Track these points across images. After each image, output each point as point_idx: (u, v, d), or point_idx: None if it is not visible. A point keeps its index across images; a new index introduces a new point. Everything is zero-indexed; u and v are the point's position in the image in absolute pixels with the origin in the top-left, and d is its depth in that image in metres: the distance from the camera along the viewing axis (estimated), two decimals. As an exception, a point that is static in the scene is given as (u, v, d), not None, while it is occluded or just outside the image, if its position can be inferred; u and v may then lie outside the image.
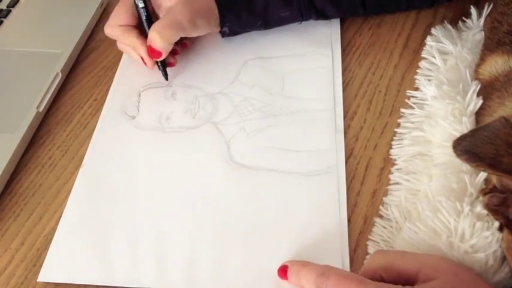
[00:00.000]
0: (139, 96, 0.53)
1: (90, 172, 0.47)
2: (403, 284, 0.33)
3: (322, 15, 0.57)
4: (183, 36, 0.51)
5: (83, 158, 0.48)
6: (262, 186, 0.45)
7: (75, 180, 0.46)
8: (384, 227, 0.42)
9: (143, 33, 0.52)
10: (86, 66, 0.58)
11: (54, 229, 0.43)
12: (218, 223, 0.43)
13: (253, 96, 0.53)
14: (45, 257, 0.41)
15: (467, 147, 0.29)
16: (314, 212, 0.43)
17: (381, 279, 0.35)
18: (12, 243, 0.42)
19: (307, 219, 0.43)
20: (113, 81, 0.55)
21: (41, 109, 0.51)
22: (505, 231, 0.34)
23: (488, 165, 0.29)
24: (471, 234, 0.36)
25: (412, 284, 0.33)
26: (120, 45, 0.54)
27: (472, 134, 0.30)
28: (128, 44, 0.52)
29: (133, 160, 0.48)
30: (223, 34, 0.56)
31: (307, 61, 0.56)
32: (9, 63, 0.56)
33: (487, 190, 0.32)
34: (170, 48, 0.51)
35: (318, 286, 0.35)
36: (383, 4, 0.59)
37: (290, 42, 0.58)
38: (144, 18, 0.51)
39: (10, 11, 0.63)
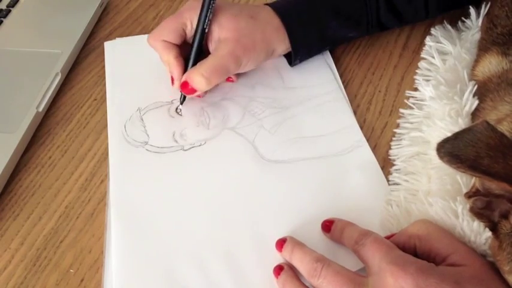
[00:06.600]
0: (142, 120, 0.50)
1: (121, 213, 0.43)
2: (429, 260, 0.34)
3: (386, 28, 0.57)
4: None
5: (83, 157, 0.48)
6: (301, 176, 0.45)
7: (75, 180, 0.46)
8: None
9: (183, 53, 0.49)
10: (86, 66, 0.58)
11: (53, 229, 0.43)
12: (265, 224, 0.42)
13: (258, 95, 0.53)
14: (45, 257, 0.41)
15: (449, 150, 0.30)
16: (360, 190, 0.44)
17: (414, 247, 0.37)
18: (12, 243, 0.43)
19: (354, 200, 0.43)
20: (107, 114, 0.51)
21: (40, 109, 0.51)
22: (491, 236, 0.34)
23: (468, 167, 0.29)
24: (470, 232, 0.36)
25: (437, 263, 0.35)
26: (160, 58, 0.52)
27: (455, 136, 0.30)
28: (165, 60, 0.49)
29: (160, 186, 0.45)
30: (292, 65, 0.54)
31: None
32: (9, 63, 0.56)
33: (471, 193, 0.32)
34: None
35: (357, 242, 0.37)
36: (446, 4, 0.57)
37: None
38: (196, 44, 0.49)
39: (10, 11, 0.63)
